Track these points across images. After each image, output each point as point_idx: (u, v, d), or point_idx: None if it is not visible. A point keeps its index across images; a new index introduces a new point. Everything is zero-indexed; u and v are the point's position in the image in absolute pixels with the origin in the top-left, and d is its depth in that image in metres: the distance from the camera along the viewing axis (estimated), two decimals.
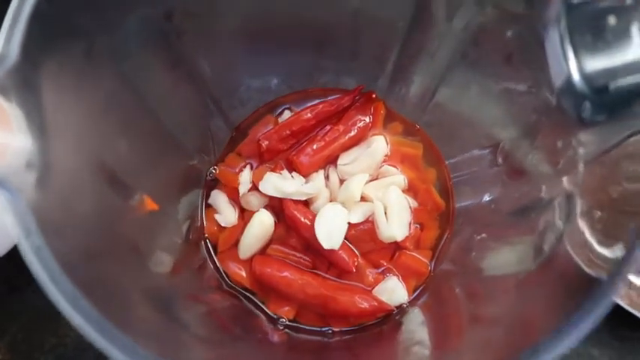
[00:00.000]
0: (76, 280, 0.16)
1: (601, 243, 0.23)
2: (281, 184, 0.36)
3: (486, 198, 0.36)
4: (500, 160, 0.37)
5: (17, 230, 0.16)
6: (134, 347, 0.15)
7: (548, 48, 0.25)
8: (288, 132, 0.38)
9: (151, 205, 0.30)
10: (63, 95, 0.22)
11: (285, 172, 0.37)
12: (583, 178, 0.26)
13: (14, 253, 0.37)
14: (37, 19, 0.20)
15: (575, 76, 0.22)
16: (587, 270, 0.22)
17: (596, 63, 0.21)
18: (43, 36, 0.20)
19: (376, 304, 0.35)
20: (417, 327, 0.34)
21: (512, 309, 0.27)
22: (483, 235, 0.34)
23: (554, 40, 0.23)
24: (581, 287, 0.21)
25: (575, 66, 0.22)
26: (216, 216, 0.38)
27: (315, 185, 0.37)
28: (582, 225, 0.25)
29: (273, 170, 0.38)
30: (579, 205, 0.25)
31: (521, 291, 0.27)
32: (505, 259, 0.32)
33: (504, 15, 0.31)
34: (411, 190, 0.39)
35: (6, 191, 0.17)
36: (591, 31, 0.21)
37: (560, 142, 0.31)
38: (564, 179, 0.28)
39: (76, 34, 0.23)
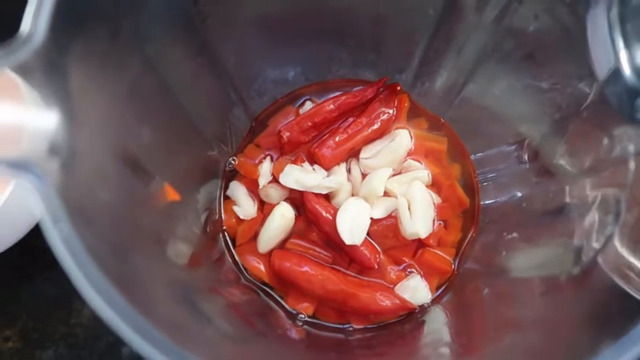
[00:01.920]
0: (104, 270, 0.15)
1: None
2: (302, 176, 0.35)
3: (516, 196, 0.35)
4: (526, 157, 0.36)
5: (45, 217, 0.15)
6: (170, 345, 0.14)
7: (594, 39, 0.24)
8: (309, 123, 0.38)
9: (172, 194, 0.29)
10: (88, 79, 0.22)
11: (306, 164, 0.37)
12: (632, 179, 0.24)
13: (26, 241, 0.37)
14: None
15: (626, 70, 0.21)
16: (627, 288, 0.21)
17: None
18: (70, 17, 0.20)
19: (398, 302, 0.34)
20: (440, 327, 0.33)
21: (541, 316, 0.26)
22: (514, 234, 0.33)
23: (602, 28, 0.22)
24: (619, 306, 0.20)
25: (625, 58, 0.21)
26: (235, 208, 0.37)
27: (337, 179, 0.36)
28: (626, 235, 0.23)
29: (294, 162, 0.37)
30: (624, 211, 0.24)
31: (552, 298, 0.26)
32: (536, 261, 0.30)
33: (541, 5, 0.30)
34: (434, 185, 0.38)
35: (32, 175, 0.16)
36: None
37: (594, 139, 0.30)
38: (604, 180, 0.27)
39: (102, 16, 0.22)
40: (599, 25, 0.22)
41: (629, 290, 0.21)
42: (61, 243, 0.15)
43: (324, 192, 0.36)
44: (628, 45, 0.21)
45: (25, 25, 0.18)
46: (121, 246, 0.20)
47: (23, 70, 0.18)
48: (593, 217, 0.26)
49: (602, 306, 0.22)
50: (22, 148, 0.17)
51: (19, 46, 0.18)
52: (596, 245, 0.24)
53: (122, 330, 0.15)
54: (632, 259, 0.23)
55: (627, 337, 0.16)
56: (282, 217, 0.35)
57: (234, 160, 0.39)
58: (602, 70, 0.25)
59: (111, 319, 0.15)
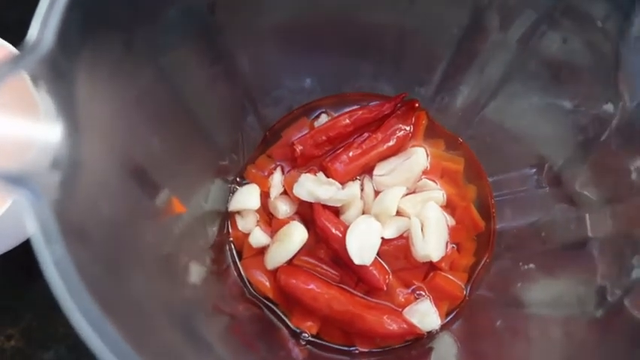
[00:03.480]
0: (97, 295, 0.15)
1: None
2: (316, 189, 0.34)
3: (534, 223, 0.33)
4: (545, 181, 0.35)
5: (37, 237, 0.14)
6: None
7: (626, 63, 0.23)
8: (324, 137, 0.37)
9: (178, 207, 0.28)
10: (97, 88, 0.21)
11: (320, 174, 0.36)
12: None
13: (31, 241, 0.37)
14: (75, 5, 0.18)
15: None
16: None
17: None
18: (81, 24, 0.19)
19: (406, 326, 0.33)
20: (448, 356, 0.32)
21: (562, 358, 0.25)
22: (531, 265, 0.31)
23: (636, 56, 0.21)
24: None
25: None
26: (237, 218, 0.37)
27: (350, 192, 0.35)
28: None
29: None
30: None
31: (575, 339, 0.24)
32: (556, 296, 0.29)
33: (571, 28, 0.28)
34: (449, 206, 0.37)
35: (28, 191, 0.15)
36: None
37: (622, 166, 0.29)
38: (632, 212, 0.26)
39: (115, 24, 0.22)
40: (634, 50, 0.21)
41: None
42: (52, 265, 0.14)
43: (338, 205, 0.35)
44: None
45: (33, 31, 0.18)
46: (119, 264, 0.19)
47: (30, 78, 0.17)
48: (618, 254, 0.25)
49: (631, 354, 0.20)
50: (29, 160, 0.17)
51: (25, 53, 0.17)
52: (621, 287, 0.23)
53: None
54: None
55: None
56: (301, 241, 0.34)
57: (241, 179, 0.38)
58: (633, 95, 0.24)
59: (97, 348, 0.14)
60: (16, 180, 0.15)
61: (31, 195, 0.15)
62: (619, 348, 0.21)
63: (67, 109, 0.18)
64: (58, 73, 0.18)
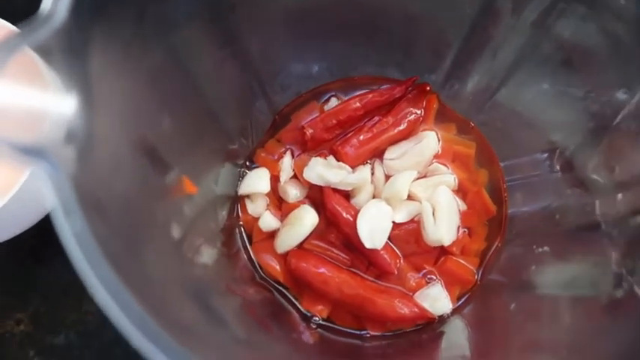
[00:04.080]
0: (116, 267, 0.15)
1: None
2: (326, 172, 0.34)
3: (548, 207, 0.33)
4: (557, 166, 0.34)
5: (57, 209, 0.14)
6: (179, 351, 0.13)
7: None
8: (334, 121, 0.36)
9: (189, 187, 0.28)
10: (109, 63, 0.21)
11: (331, 158, 0.35)
12: None
13: (42, 224, 0.37)
14: None
15: None
16: None
17: None
18: None
19: (417, 310, 0.33)
20: (460, 340, 0.32)
21: (572, 340, 0.25)
22: (545, 248, 0.31)
23: None
24: None
25: None
26: (247, 202, 0.36)
27: (360, 175, 0.35)
28: None
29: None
30: None
31: (585, 322, 0.24)
32: (568, 279, 0.28)
33: (586, 11, 0.28)
34: (460, 191, 0.37)
35: (47, 163, 0.15)
36: None
37: (631, 152, 0.29)
38: None
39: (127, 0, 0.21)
40: None
41: None
42: (72, 237, 0.14)
43: (348, 188, 0.35)
44: None
45: (46, 3, 0.18)
46: (134, 240, 0.19)
47: (42, 51, 0.17)
48: (630, 237, 0.24)
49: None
50: (44, 132, 0.16)
51: (38, 26, 0.17)
52: (633, 270, 0.23)
53: (129, 331, 0.14)
54: None
55: None
56: (312, 225, 0.34)
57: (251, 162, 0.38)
58: None
59: (118, 318, 0.14)
60: (34, 151, 0.15)
61: (49, 167, 0.15)
62: (630, 331, 0.21)
63: (80, 82, 0.18)
64: (71, 47, 0.18)
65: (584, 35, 0.29)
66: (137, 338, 0.13)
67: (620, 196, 0.29)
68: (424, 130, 0.37)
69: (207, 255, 0.29)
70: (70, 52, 0.18)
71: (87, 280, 0.14)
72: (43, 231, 0.37)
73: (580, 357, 0.23)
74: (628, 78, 0.29)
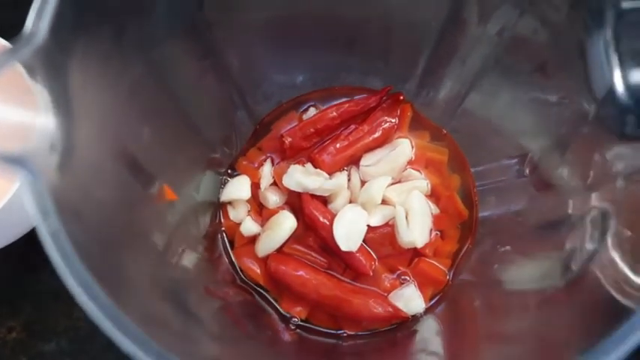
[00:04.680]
0: (91, 266, 0.16)
1: (634, 269, 0.22)
2: (304, 179, 0.35)
3: (512, 209, 0.35)
4: (527, 171, 0.36)
5: (35, 212, 0.16)
6: (146, 339, 0.15)
7: (590, 57, 0.24)
8: (312, 130, 0.38)
9: (170, 195, 0.29)
10: (89, 78, 0.22)
11: (309, 165, 0.37)
12: (621, 195, 0.24)
13: (33, 233, 0.37)
14: None
15: (619, 87, 0.21)
16: (617, 297, 0.21)
17: None
18: (74, 16, 0.20)
19: (391, 310, 0.34)
20: (432, 336, 0.33)
21: (534, 328, 0.26)
22: (507, 247, 0.33)
23: (598, 47, 0.22)
24: (610, 315, 0.20)
25: (619, 76, 0.21)
26: (229, 209, 0.38)
27: (337, 181, 0.36)
28: (614, 247, 0.24)
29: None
30: (613, 225, 0.24)
31: (545, 310, 0.26)
32: (529, 273, 0.30)
33: (542, 21, 0.30)
34: (433, 195, 0.38)
35: (27, 172, 0.16)
36: None
37: (593, 155, 0.30)
38: (597, 195, 0.27)
39: (107, 17, 0.23)
40: (596, 43, 0.22)
41: (621, 300, 0.21)
42: (49, 238, 0.15)
43: (326, 194, 0.36)
44: (622, 63, 0.21)
45: (29, 22, 0.19)
46: (113, 244, 0.21)
47: (26, 67, 0.18)
48: (584, 231, 0.26)
49: (592, 317, 0.22)
50: (28, 143, 0.18)
51: (22, 44, 0.19)
52: (585, 257, 0.24)
53: (106, 326, 0.16)
54: (629, 273, 0.23)
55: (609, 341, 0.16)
56: (290, 229, 0.35)
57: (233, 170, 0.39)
58: (599, 88, 0.25)
59: (94, 314, 0.15)
60: (17, 161, 0.16)
61: (29, 175, 0.16)
62: (583, 310, 0.23)
63: (61, 97, 0.20)
64: (52, 64, 0.19)
65: (544, 45, 0.31)
66: (110, 331, 0.15)
67: (584, 196, 0.31)
68: (398, 137, 0.39)
69: (189, 259, 0.31)
70: (52, 68, 0.19)
71: (63, 277, 0.15)
72: (33, 239, 0.38)
73: (545, 344, 0.24)
74: (585, 86, 0.30)
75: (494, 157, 0.38)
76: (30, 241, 0.38)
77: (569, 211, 0.30)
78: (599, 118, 0.28)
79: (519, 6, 0.29)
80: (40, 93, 0.19)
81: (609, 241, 0.24)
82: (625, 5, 0.21)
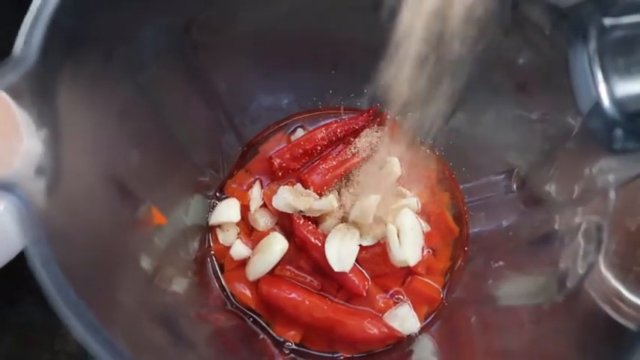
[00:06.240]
0: (82, 292, 0.15)
1: (626, 284, 0.22)
2: (294, 200, 0.35)
3: (503, 225, 0.35)
4: (514, 186, 0.36)
5: (24, 237, 0.15)
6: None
7: (575, 72, 0.24)
8: (300, 150, 0.38)
9: (159, 218, 0.29)
10: (78, 103, 0.22)
11: (298, 186, 0.37)
12: (612, 208, 0.25)
13: (13, 265, 0.36)
14: (57, 23, 0.19)
15: (605, 101, 0.21)
16: (612, 314, 0.21)
17: (629, 87, 0.21)
18: (62, 41, 0.20)
19: (386, 330, 0.34)
20: (428, 356, 0.33)
21: (529, 344, 0.26)
22: (500, 263, 0.33)
23: (583, 63, 0.22)
24: (606, 331, 0.20)
25: (605, 90, 0.21)
26: (218, 232, 0.37)
27: (327, 201, 0.36)
28: (607, 261, 0.24)
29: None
30: (605, 238, 0.24)
31: (540, 326, 0.26)
32: (524, 289, 0.30)
33: (526, 40, 0.30)
34: (424, 213, 0.38)
35: (15, 197, 0.16)
36: (624, 55, 0.21)
37: (580, 170, 0.30)
38: (587, 209, 0.27)
39: (95, 42, 0.23)
40: (580, 59, 0.23)
41: (616, 318, 0.21)
42: (40, 264, 0.15)
43: (316, 215, 0.36)
44: (607, 78, 0.21)
45: (17, 47, 0.19)
46: (103, 268, 0.20)
47: (13, 92, 0.18)
48: (577, 245, 0.26)
49: (588, 333, 0.22)
50: (14, 168, 0.17)
51: (9, 69, 0.18)
52: (580, 272, 0.24)
53: (97, 352, 0.15)
54: (622, 289, 0.23)
55: None
56: (281, 251, 0.35)
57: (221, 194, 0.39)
58: (584, 102, 0.25)
59: (84, 339, 0.15)
60: (3, 186, 0.16)
61: (17, 200, 0.16)
62: (579, 327, 0.23)
63: (50, 121, 0.19)
64: (40, 87, 0.19)
65: (529, 63, 0.32)
66: (100, 353, 0.14)
67: (573, 210, 0.31)
68: (387, 156, 0.39)
69: (179, 284, 0.30)
70: (40, 92, 0.19)
71: (53, 302, 0.15)
72: (13, 271, 0.37)
73: (531, 356, 0.24)
74: (570, 102, 0.31)
75: (483, 174, 0.39)
76: (10, 272, 0.37)
77: (559, 226, 0.30)
78: (585, 133, 0.28)
79: (504, 26, 0.30)
80: (24, 118, 0.19)
81: (602, 255, 0.24)
82: (607, 22, 0.21)
